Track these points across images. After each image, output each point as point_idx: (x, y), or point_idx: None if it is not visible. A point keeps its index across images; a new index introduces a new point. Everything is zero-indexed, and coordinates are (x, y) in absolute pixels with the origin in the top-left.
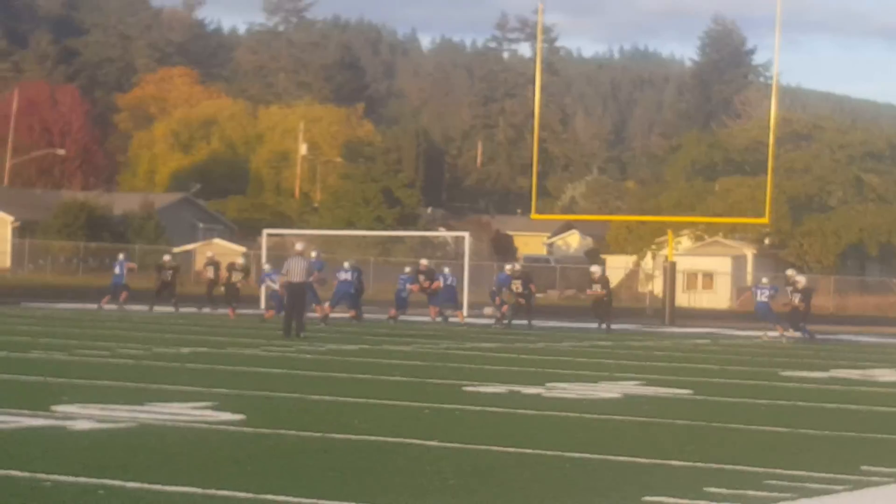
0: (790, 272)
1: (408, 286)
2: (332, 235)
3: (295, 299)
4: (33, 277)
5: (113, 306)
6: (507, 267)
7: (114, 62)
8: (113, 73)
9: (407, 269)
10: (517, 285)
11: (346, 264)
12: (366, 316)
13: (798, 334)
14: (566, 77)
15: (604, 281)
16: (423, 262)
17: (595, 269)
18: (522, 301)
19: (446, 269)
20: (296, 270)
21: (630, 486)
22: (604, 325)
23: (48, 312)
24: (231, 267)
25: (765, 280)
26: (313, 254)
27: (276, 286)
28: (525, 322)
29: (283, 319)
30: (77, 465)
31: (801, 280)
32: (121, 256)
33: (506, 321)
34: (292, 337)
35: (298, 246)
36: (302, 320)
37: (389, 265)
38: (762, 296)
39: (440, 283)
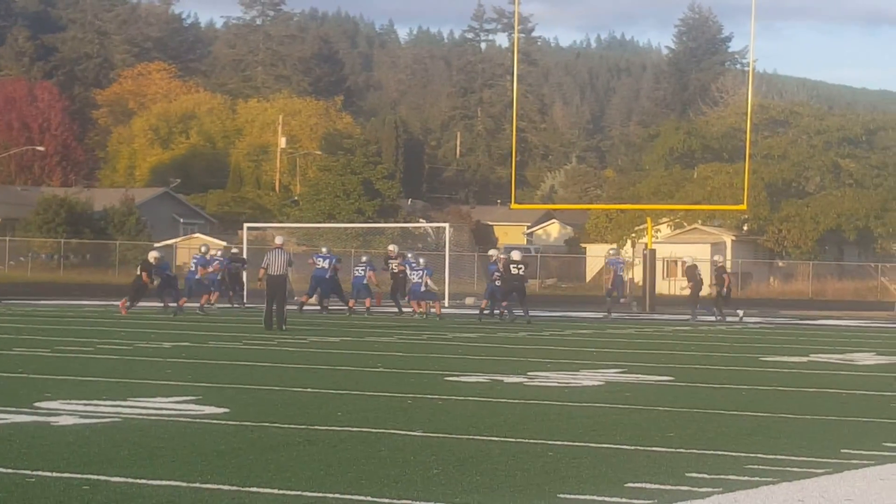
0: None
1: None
2: (313, 228)
3: (275, 291)
4: (14, 275)
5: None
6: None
7: (91, 58)
8: (91, 68)
9: (363, 258)
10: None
11: (323, 249)
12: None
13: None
14: (544, 67)
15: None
16: (391, 247)
17: (515, 253)
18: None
19: (409, 255)
20: (276, 263)
21: (613, 472)
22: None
23: (30, 310)
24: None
25: (612, 251)
26: (323, 249)
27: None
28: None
29: (265, 312)
30: (61, 461)
31: (688, 260)
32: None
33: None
34: (274, 329)
35: (278, 239)
36: (283, 313)
37: (370, 257)
38: (620, 269)
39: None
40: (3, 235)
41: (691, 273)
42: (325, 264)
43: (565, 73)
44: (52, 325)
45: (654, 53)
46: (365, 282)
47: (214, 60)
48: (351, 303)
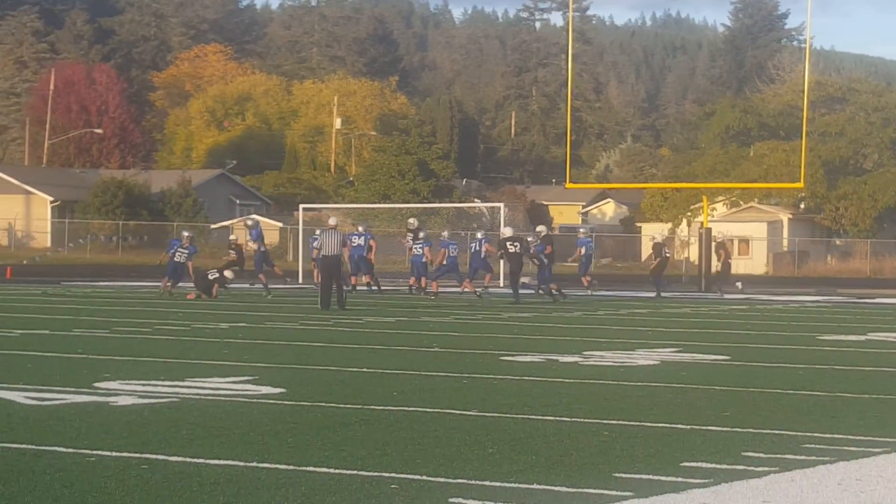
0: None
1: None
2: (368, 209)
3: (331, 272)
4: (73, 256)
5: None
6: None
7: (149, 40)
8: (148, 51)
9: (421, 235)
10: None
11: (359, 228)
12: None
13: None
14: (598, 45)
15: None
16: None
17: (506, 230)
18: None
19: (444, 234)
20: (330, 244)
21: (668, 451)
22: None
23: (89, 291)
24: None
25: (582, 231)
26: (360, 227)
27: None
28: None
29: (320, 293)
30: (120, 441)
31: (657, 237)
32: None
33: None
34: (333, 309)
35: (332, 220)
36: (342, 292)
37: (427, 234)
38: (590, 249)
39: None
40: (62, 217)
41: (658, 250)
42: (361, 242)
43: (620, 51)
44: (110, 306)
45: (709, 31)
46: (424, 260)
47: (270, 42)
48: (412, 280)
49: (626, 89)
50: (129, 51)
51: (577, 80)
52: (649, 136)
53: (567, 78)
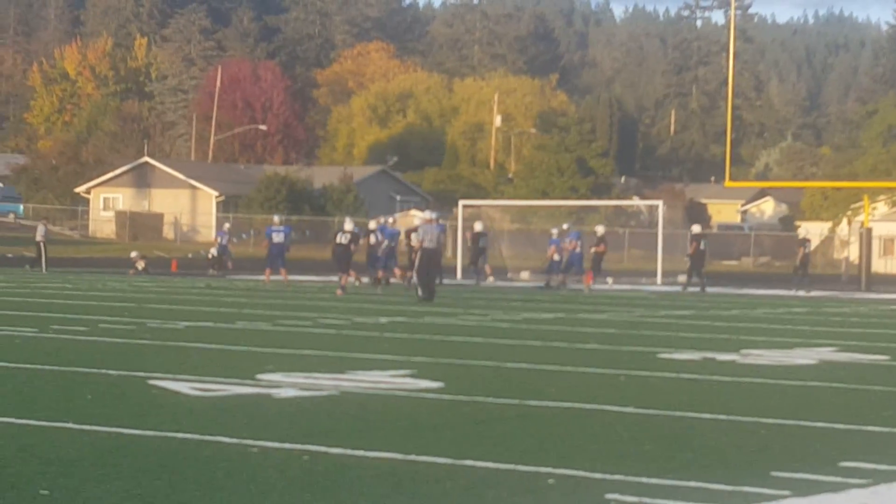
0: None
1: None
2: (527, 206)
3: (431, 264)
4: (237, 250)
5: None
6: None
7: (313, 38)
8: (312, 49)
9: (565, 226)
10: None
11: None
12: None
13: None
14: (760, 43)
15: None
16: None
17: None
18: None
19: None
20: (431, 237)
21: (827, 451)
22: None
23: (252, 284)
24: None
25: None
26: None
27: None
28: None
29: (422, 285)
30: (282, 432)
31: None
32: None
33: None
34: (433, 301)
35: (428, 213)
36: (433, 284)
37: (584, 235)
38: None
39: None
40: (226, 212)
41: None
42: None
43: (782, 49)
44: (272, 299)
45: (872, 29)
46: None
47: (432, 40)
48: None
49: (787, 88)
50: (294, 48)
51: (737, 78)
52: (810, 134)
53: (728, 76)
